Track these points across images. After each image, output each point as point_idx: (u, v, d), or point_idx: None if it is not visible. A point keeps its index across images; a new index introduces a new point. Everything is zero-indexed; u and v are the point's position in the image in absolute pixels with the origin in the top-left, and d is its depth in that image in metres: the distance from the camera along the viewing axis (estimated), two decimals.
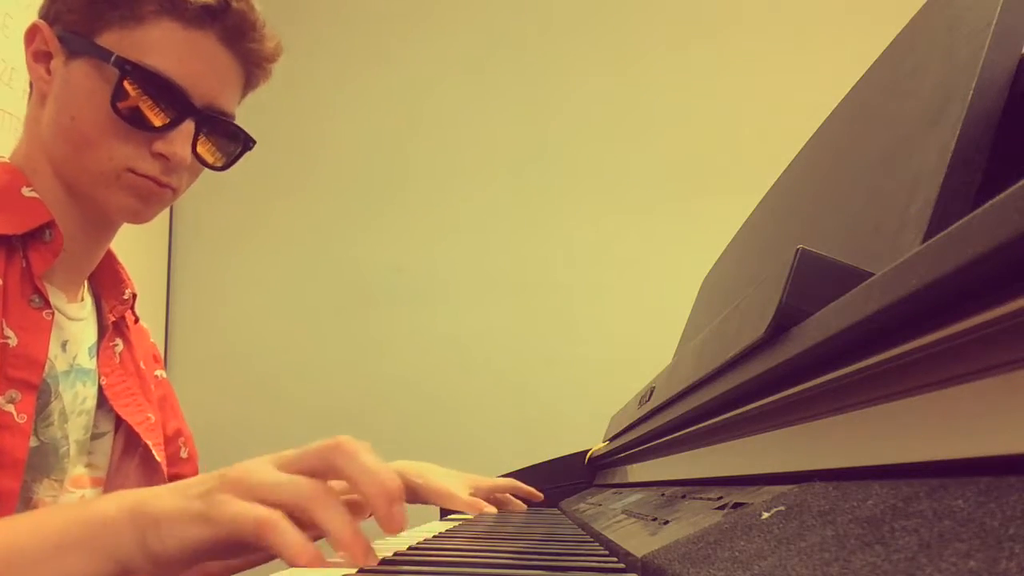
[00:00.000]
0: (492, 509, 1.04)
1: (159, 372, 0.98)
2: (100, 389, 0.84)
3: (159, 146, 0.76)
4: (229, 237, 2.26)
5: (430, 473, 1.06)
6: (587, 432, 1.47)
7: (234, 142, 0.83)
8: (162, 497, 0.47)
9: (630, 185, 2.10)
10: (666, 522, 0.45)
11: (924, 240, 0.31)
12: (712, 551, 0.30)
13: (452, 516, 1.04)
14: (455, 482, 1.06)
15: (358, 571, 0.40)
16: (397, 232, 2.19)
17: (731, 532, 0.31)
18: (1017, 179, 0.19)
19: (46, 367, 0.75)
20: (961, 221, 0.21)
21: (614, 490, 0.96)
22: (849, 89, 0.64)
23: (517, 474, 1.25)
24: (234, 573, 0.93)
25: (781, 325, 0.36)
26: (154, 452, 0.87)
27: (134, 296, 0.91)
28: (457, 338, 2.12)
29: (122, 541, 0.46)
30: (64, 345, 0.80)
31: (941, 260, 0.22)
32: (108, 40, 0.74)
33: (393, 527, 0.45)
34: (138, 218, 0.80)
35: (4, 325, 0.71)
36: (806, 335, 0.33)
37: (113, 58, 0.73)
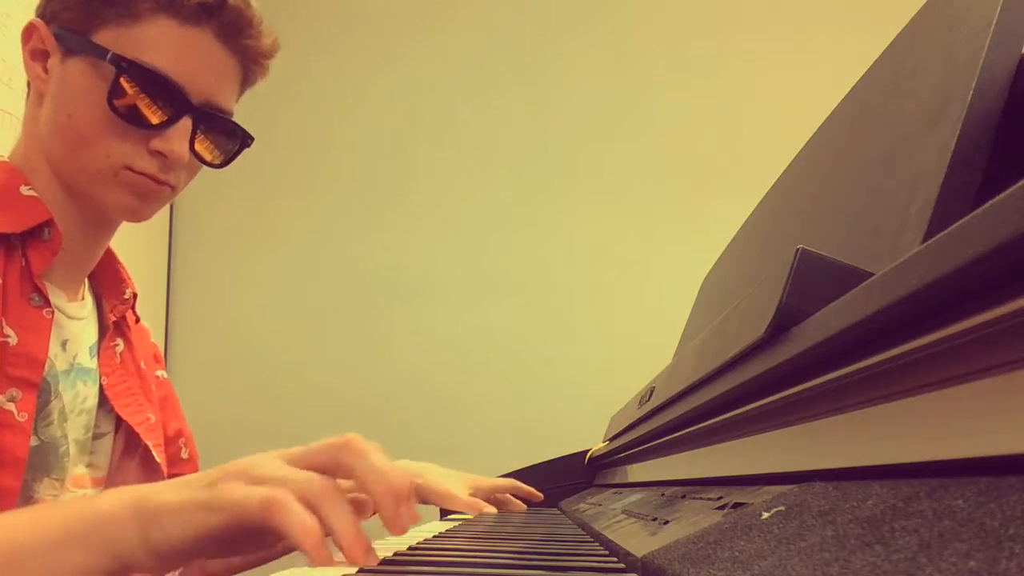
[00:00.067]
0: (492, 509, 1.04)
1: (160, 372, 0.98)
2: (101, 389, 0.84)
3: (157, 144, 0.75)
4: (229, 237, 2.26)
5: (430, 473, 1.06)
6: (587, 432, 1.47)
7: (232, 139, 0.83)
8: (164, 491, 0.47)
9: (630, 185, 2.10)
10: (666, 522, 0.45)
11: (924, 240, 0.31)
12: (712, 551, 0.30)
13: (452, 516, 1.04)
14: (455, 482, 1.06)
15: (358, 571, 0.40)
16: (397, 232, 2.19)
17: (731, 532, 0.31)
18: (1017, 179, 0.19)
19: (46, 366, 0.75)
20: (961, 221, 0.21)
21: (614, 490, 0.96)
22: (849, 89, 0.64)
23: (517, 474, 1.25)
24: (235, 573, 0.93)
25: (781, 325, 0.36)
26: (154, 453, 0.87)
27: (135, 296, 0.91)
28: (457, 338, 2.12)
29: (123, 536, 0.46)
30: (64, 344, 0.79)
31: (941, 260, 0.22)
32: (104, 38, 0.74)
33: (399, 528, 0.45)
34: (136, 216, 0.79)
35: (4, 324, 0.71)
36: (806, 335, 0.33)
37: (109, 55, 0.73)
